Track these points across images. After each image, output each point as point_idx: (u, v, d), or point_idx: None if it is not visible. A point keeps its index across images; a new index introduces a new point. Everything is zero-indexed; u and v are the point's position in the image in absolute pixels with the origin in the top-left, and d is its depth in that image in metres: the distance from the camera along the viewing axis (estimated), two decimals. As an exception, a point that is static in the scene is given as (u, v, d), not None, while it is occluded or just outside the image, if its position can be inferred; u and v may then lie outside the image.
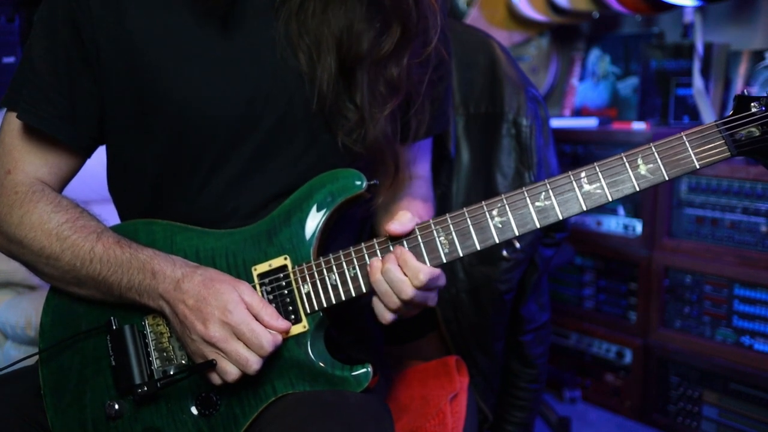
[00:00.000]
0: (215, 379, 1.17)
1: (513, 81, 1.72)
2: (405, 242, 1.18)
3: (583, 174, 1.14)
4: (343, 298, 1.20)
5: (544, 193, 1.15)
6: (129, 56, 1.23)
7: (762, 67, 2.62)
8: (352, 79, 1.24)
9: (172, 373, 1.20)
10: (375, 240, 1.21)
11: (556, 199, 1.14)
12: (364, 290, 1.20)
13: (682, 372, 2.57)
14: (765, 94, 1.08)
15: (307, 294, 1.20)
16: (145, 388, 1.18)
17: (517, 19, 3.19)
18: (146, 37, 1.23)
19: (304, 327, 1.20)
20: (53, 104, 1.25)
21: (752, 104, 1.08)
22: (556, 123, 2.99)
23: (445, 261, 1.17)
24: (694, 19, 2.75)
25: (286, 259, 1.22)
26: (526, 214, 1.15)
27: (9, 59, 2.90)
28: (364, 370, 1.19)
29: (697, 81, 2.67)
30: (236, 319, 1.13)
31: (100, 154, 1.36)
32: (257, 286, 1.22)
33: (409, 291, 1.14)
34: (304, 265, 1.21)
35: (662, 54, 2.89)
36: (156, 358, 1.23)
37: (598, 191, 1.13)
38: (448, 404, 1.48)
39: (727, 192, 2.44)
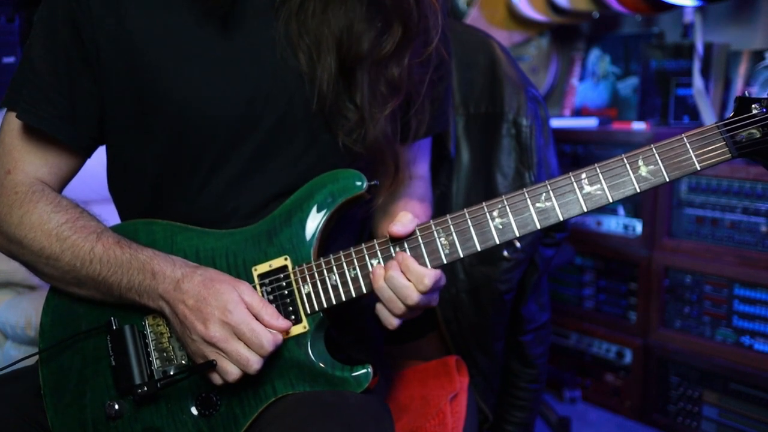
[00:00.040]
0: (216, 379, 1.17)
1: (513, 81, 1.72)
2: (405, 244, 1.18)
3: (583, 175, 1.14)
4: (344, 299, 1.20)
5: (544, 194, 1.15)
6: (129, 56, 1.23)
7: (762, 67, 2.62)
8: (352, 79, 1.24)
9: (172, 373, 1.20)
10: (375, 241, 1.21)
11: (556, 200, 1.14)
12: (364, 291, 1.20)
13: (682, 372, 2.57)
14: (766, 96, 1.08)
15: (308, 294, 1.20)
16: (145, 389, 1.18)
17: (517, 19, 3.19)
18: (146, 37, 1.22)
19: (305, 327, 1.20)
20: (53, 104, 1.25)
21: (753, 106, 1.08)
22: (556, 123, 2.99)
23: (445, 262, 1.17)
24: (694, 19, 2.75)
25: (286, 259, 1.22)
26: (527, 215, 1.15)
27: (9, 59, 2.90)
28: (364, 370, 1.19)
29: (697, 81, 2.67)
30: (236, 319, 1.13)
31: (100, 154, 1.36)
32: (257, 287, 1.22)
33: (414, 296, 1.15)
34: (305, 266, 1.21)
35: (662, 54, 2.89)
36: (156, 359, 1.23)
37: (599, 192, 1.13)
38: (448, 404, 1.48)
39: (727, 192, 2.44)
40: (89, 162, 1.37)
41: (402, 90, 1.27)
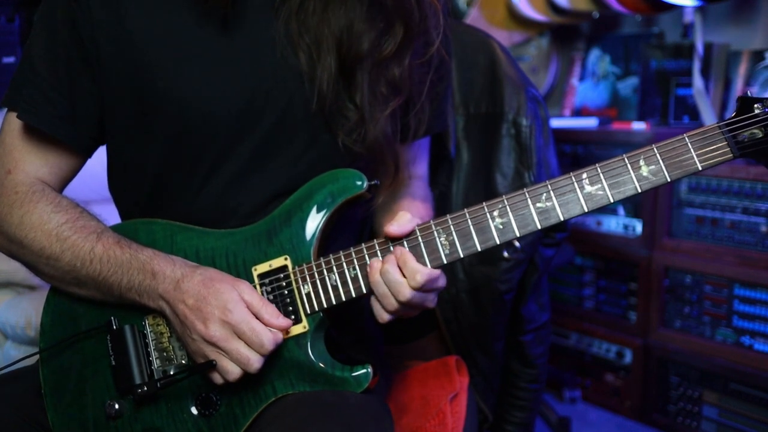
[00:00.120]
0: (217, 378, 1.17)
1: (513, 81, 1.72)
2: (405, 243, 1.18)
3: (584, 175, 1.13)
4: (344, 299, 1.20)
5: (545, 194, 1.14)
6: (129, 56, 1.23)
7: (762, 67, 2.62)
8: (353, 78, 1.24)
9: (172, 373, 1.20)
10: (375, 240, 1.21)
11: (557, 200, 1.14)
12: (364, 291, 1.19)
13: (682, 372, 2.57)
14: (767, 95, 1.08)
15: (307, 294, 1.20)
16: (145, 388, 1.18)
17: (517, 19, 3.19)
18: (146, 37, 1.22)
19: (304, 327, 1.20)
20: (53, 104, 1.25)
21: (755, 105, 1.07)
22: (556, 123, 2.99)
23: (445, 262, 1.17)
24: (694, 19, 2.75)
25: (286, 259, 1.22)
26: (527, 215, 1.15)
27: (9, 59, 2.90)
28: (364, 370, 1.19)
29: (697, 81, 2.67)
30: (236, 318, 1.13)
31: (100, 154, 1.36)
32: (257, 286, 1.22)
33: (406, 292, 1.14)
34: (305, 266, 1.21)
35: (662, 54, 2.89)
36: (156, 358, 1.22)
37: (600, 192, 1.13)
38: (448, 404, 1.47)
39: (727, 192, 2.44)
40: (89, 162, 1.36)
41: (402, 90, 1.27)
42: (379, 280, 1.16)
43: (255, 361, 1.14)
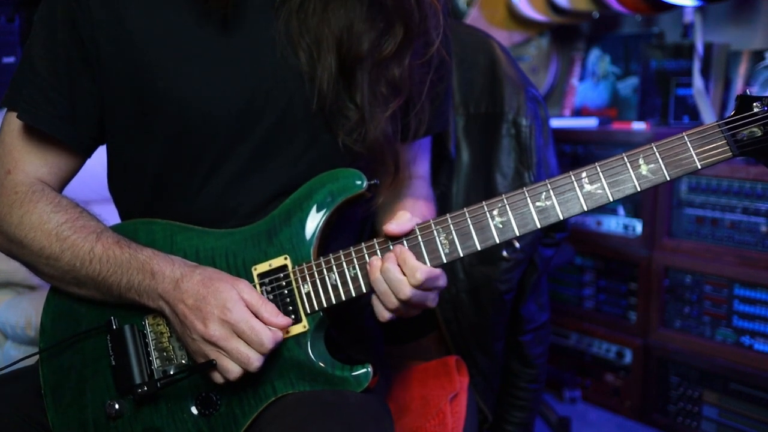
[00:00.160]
0: (217, 377, 1.17)
1: (513, 81, 1.72)
2: (405, 242, 1.18)
3: (584, 174, 1.13)
4: (344, 298, 1.20)
5: (544, 193, 1.14)
6: (129, 56, 1.23)
7: (762, 67, 2.62)
8: (353, 78, 1.24)
9: (172, 373, 1.20)
10: (375, 240, 1.21)
11: (556, 199, 1.14)
12: (364, 290, 1.19)
13: (682, 372, 2.57)
14: (767, 94, 1.08)
15: (307, 294, 1.20)
16: (145, 388, 1.18)
17: (517, 19, 3.19)
18: (146, 37, 1.22)
19: (304, 327, 1.20)
20: (53, 104, 1.25)
21: (754, 104, 1.07)
22: (556, 123, 2.99)
23: (445, 261, 1.17)
24: (694, 19, 2.75)
25: (286, 258, 1.22)
26: (527, 215, 1.15)
27: (9, 59, 2.90)
28: (364, 370, 1.19)
29: (697, 81, 2.67)
30: (236, 317, 1.13)
31: (100, 154, 1.36)
32: (257, 286, 1.22)
33: (407, 290, 1.14)
34: (304, 265, 1.21)
35: (662, 54, 2.89)
36: (156, 358, 1.22)
37: (599, 191, 1.13)
38: (448, 404, 1.47)
39: (727, 192, 2.44)
40: (89, 162, 1.37)
41: (403, 91, 1.27)
42: (379, 278, 1.16)
43: (255, 360, 1.14)
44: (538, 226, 1.14)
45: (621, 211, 2.74)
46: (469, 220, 1.16)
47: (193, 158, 1.26)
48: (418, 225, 1.18)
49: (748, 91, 1.11)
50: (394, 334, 1.65)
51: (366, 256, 1.20)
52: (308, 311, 1.20)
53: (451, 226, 1.17)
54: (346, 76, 1.23)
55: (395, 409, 1.44)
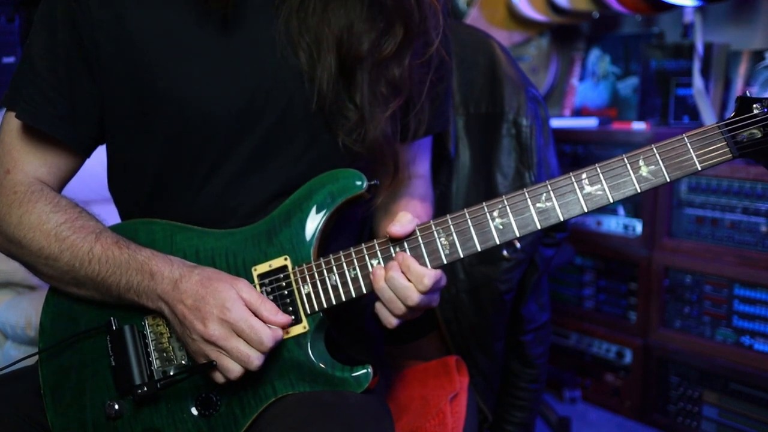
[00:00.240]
0: (218, 377, 1.17)
1: (513, 81, 1.72)
2: (405, 244, 1.18)
3: (584, 175, 1.13)
4: (344, 299, 1.20)
5: (545, 194, 1.14)
6: (129, 56, 1.23)
7: (762, 67, 2.62)
8: (353, 78, 1.24)
9: (171, 373, 1.20)
10: (375, 241, 1.21)
11: (557, 200, 1.14)
12: (364, 291, 1.19)
13: (682, 372, 2.57)
14: (767, 96, 1.08)
15: (307, 294, 1.20)
16: (145, 389, 1.18)
17: (517, 19, 3.19)
18: (146, 37, 1.22)
19: (305, 328, 1.20)
20: (53, 104, 1.25)
21: (754, 106, 1.08)
22: (556, 123, 2.99)
23: (445, 262, 1.17)
24: (694, 19, 2.75)
25: (286, 259, 1.22)
26: (527, 216, 1.15)
27: (9, 59, 2.90)
28: (364, 370, 1.19)
29: (697, 81, 2.67)
30: (235, 317, 1.13)
31: (100, 154, 1.36)
32: (257, 287, 1.22)
33: (415, 297, 1.14)
34: (304, 266, 1.21)
35: (662, 54, 2.89)
36: (156, 359, 1.22)
37: (600, 192, 1.13)
38: (448, 404, 1.47)
39: (727, 192, 2.44)
40: (89, 162, 1.36)
41: (403, 91, 1.27)
42: (384, 287, 1.16)
43: (255, 359, 1.14)
44: (539, 227, 1.14)
45: (621, 211, 2.74)
46: (469, 221, 1.16)
47: (193, 158, 1.26)
48: (418, 226, 1.18)
49: (748, 92, 1.11)
50: (394, 335, 1.64)
51: (366, 256, 1.20)
52: (308, 312, 1.20)
53: (452, 227, 1.17)
54: (346, 76, 1.23)
55: (395, 409, 1.44)
